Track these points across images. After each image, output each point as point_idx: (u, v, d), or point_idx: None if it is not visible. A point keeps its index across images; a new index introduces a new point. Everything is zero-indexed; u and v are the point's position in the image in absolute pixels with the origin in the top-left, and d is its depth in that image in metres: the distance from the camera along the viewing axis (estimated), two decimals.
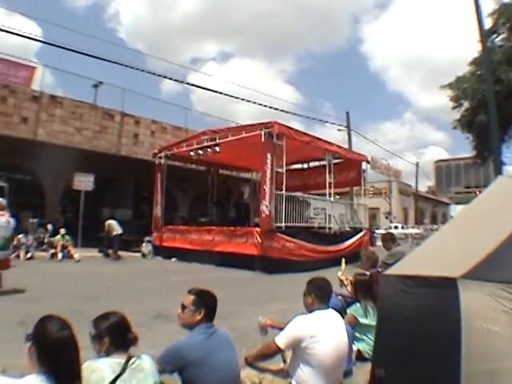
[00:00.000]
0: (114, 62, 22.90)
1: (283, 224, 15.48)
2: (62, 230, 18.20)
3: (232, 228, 16.90)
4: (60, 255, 17.29)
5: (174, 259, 18.69)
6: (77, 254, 17.69)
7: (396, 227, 42.97)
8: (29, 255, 16.78)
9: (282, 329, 3.99)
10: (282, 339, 3.79)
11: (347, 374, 4.28)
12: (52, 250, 17.73)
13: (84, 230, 19.80)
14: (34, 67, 22.28)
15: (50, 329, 2.28)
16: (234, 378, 3.43)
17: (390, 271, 2.37)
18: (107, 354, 2.72)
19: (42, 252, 18.11)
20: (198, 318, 3.44)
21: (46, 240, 18.88)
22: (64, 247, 17.75)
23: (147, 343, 3.47)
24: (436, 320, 1.99)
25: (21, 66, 21.60)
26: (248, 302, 9.31)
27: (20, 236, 16.98)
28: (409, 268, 2.25)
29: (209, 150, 17.98)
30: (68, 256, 17.52)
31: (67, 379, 2.23)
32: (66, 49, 21.62)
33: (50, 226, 19.58)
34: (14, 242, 16.71)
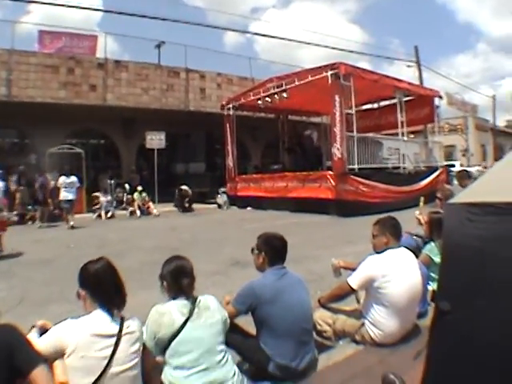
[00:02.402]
0: (175, 21, 23.27)
1: (356, 166, 15.28)
2: (139, 188, 18.84)
3: (305, 173, 16.89)
4: (138, 212, 17.99)
5: (249, 208, 18.98)
6: (155, 209, 18.30)
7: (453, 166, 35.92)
8: (109, 214, 17.50)
9: (354, 269, 3.97)
10: (354, 279, 3.78)
11: (422, 315, 4.22)
12: (131, 208, 18.46)
13: (160, 186, 20.29)
14: (96, 36, 22.77)
15: (86, 266, 2.62)
16: (306, 318, 3.45)
17: (455, 199, 2.24)
18: (174, 297, 2.93)
19: (121, 211, 18.86)
20: (263, 260, 3.53)
21: (124, 199, 19.54)
22: (143, 204, 18.40)
23: (225, 289, 3.56)
24: (505, 250, 1.88)
25: (83, 37, 22.17)
26: (323, 245, 9.32)
27: (99, 194, 17.87)
28: (475, 195, 2.11)
29: (276, 96, 17.82)
30: (146, 212, 18.19)
31: (111, 299, 2.56)
32: (126, 14, 22.12)
33: (127, 186, 20.30)
34: (94, 202, 17.60)
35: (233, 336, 3.13)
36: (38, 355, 2.27)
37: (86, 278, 2.59)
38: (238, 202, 20.20)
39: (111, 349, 2.40)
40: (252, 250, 3.63)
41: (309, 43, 28.08)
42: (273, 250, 3.52)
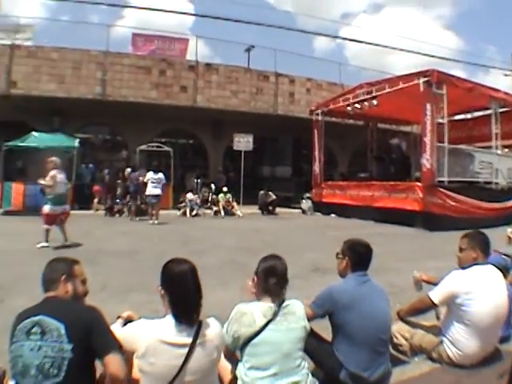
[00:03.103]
0: (264, 25, 23.85)
1: (446, 178, 14.73)
2: (225, 189, 19.22)
3: (392, 183, 16.49)
4: (222, 212, 18.33)
5: (333, 215, 18.78)
6: (239, 210, 18.61)
7: None
8: (194, 212, 17.91)
9: (436, 284, 3.83)
10: (436, 294, 3.65)
11: (505, 339, 4.01)
12: (215, 208, 18.84)
13: (245, 188, 20.56)
14: (187, 39, 23.69)
15: (170, 267, 2.54)
16: (384, 328, 3.34)
17: None
18: (260, 297, 2.95)
19: (206, 210, 19.30)
20: (346, 265, 3.49)
21: (209, 198, 19.96)
22: (227, 205, 18.73)
23: (303, 293, 3.56)
24: None
25: (175, 40, 23.20)
26: (406, 258, 9.08)
27: (188, 195, 18.22)
28: None
29: (366, 103, 17.56)
30: (230, 213, 18.48)
31: (187, 306, 2.46)
32: (216, 18, 22.94)
33: (213, 186, 20.79)
34: (180, 199, 18.23)
35: (308, 340, 3.06)
36: (114, 342, 2.34)
37: (166, 279, 2.55)
38: (322, 208, 20.01)
39: (183, 359, 2.33)
40: (336, 254, 3.60)
41: (400, 49, 27.58)
42: (356, 255, 3.47)
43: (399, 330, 3.88)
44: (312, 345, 3.18)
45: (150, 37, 22.69)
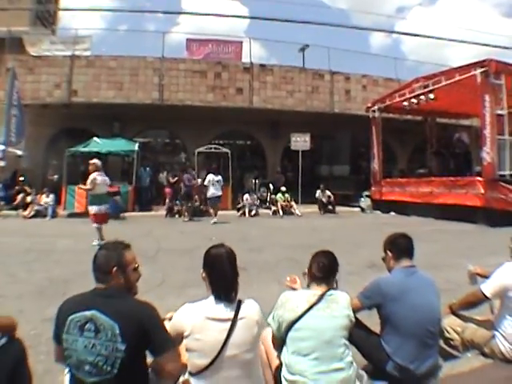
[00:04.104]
0: (318, 23, 23.82)
1: (507, 172, 14.27)
2: (283, 188, 19.32)
3: (452, 178, 16.16)
4: (281, 212, 18.35)
5: (392, 213, 18.60)
6: (297, 209, 18.67)
7: None
8: (253, 212, 18.13)
9: (488, 277, 3.77)
10: (487, 287, 3.61)
11: None
12: (274, 207, 18.92)
13: (303, 187, 20.57)
14: (241, 42, 24.19)
15: (209, 251, 2.76)
16: (432, 320, 3.27)
17: None
18: (308, 286, 3.17)
19: (264, 210, 19.54)
20: (389, 259, 3.55)
21: (268, 198, 20.11)
22: (286, 204, 18.84)
23: (357, 289, 3.58)
24: None
25: (229, 43, 23.73)
26: (465, 255, 8.81)
27: (245, 196, 18.42)
28: None
29: (422, 97, 17.33)
30: (289, 212, 18.55)
31: (225, 284, 2.63)
32: (269, 19, 23.23)
33: (271, 185, 21.00)
34: (239, 199, 18.47)
35: (356, 332, 3.11)
36: (169, 340, 2.42)
37: (205, 262, 2.75)
38: (381, 206, 19.83)
39: (226, 333, 2.47)
40: (382, 258, 3.69)
41: (458, 41, 26.92)
42: (396, 246, 3.52)
43: (451, 324, 3.83)
44: (360, 337, 3.23)
45: (204, 41, 23.35)
